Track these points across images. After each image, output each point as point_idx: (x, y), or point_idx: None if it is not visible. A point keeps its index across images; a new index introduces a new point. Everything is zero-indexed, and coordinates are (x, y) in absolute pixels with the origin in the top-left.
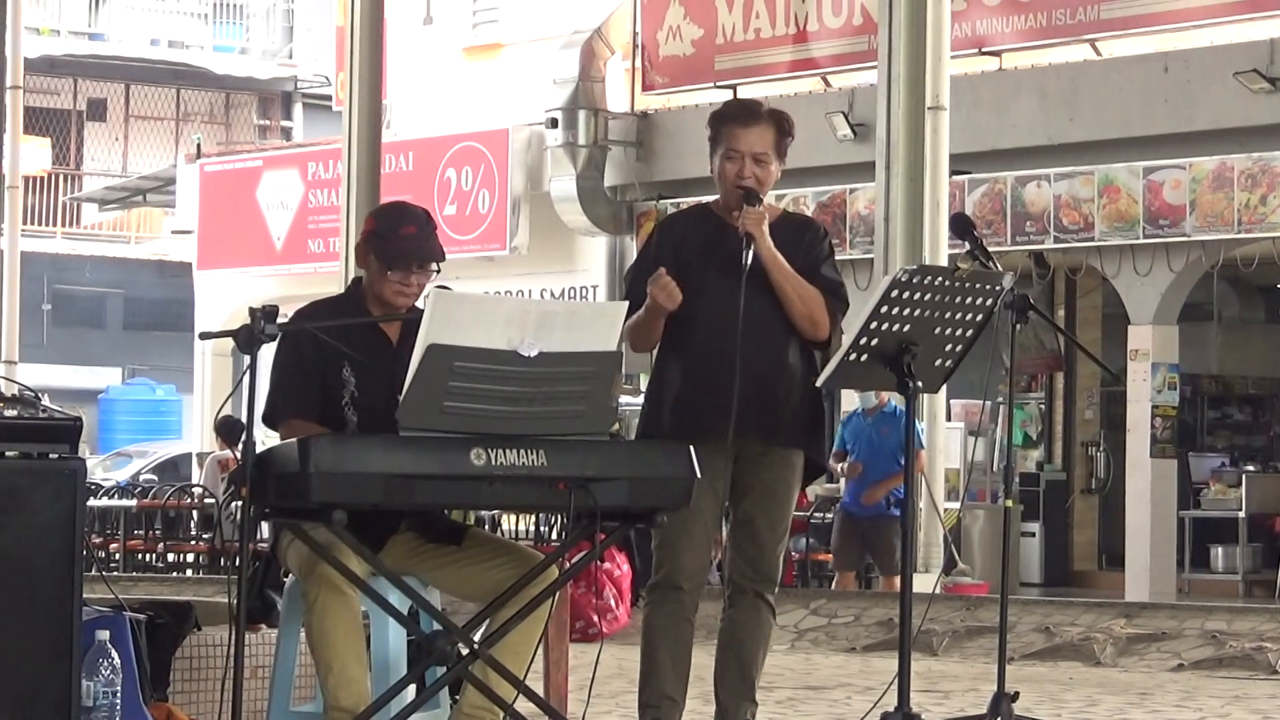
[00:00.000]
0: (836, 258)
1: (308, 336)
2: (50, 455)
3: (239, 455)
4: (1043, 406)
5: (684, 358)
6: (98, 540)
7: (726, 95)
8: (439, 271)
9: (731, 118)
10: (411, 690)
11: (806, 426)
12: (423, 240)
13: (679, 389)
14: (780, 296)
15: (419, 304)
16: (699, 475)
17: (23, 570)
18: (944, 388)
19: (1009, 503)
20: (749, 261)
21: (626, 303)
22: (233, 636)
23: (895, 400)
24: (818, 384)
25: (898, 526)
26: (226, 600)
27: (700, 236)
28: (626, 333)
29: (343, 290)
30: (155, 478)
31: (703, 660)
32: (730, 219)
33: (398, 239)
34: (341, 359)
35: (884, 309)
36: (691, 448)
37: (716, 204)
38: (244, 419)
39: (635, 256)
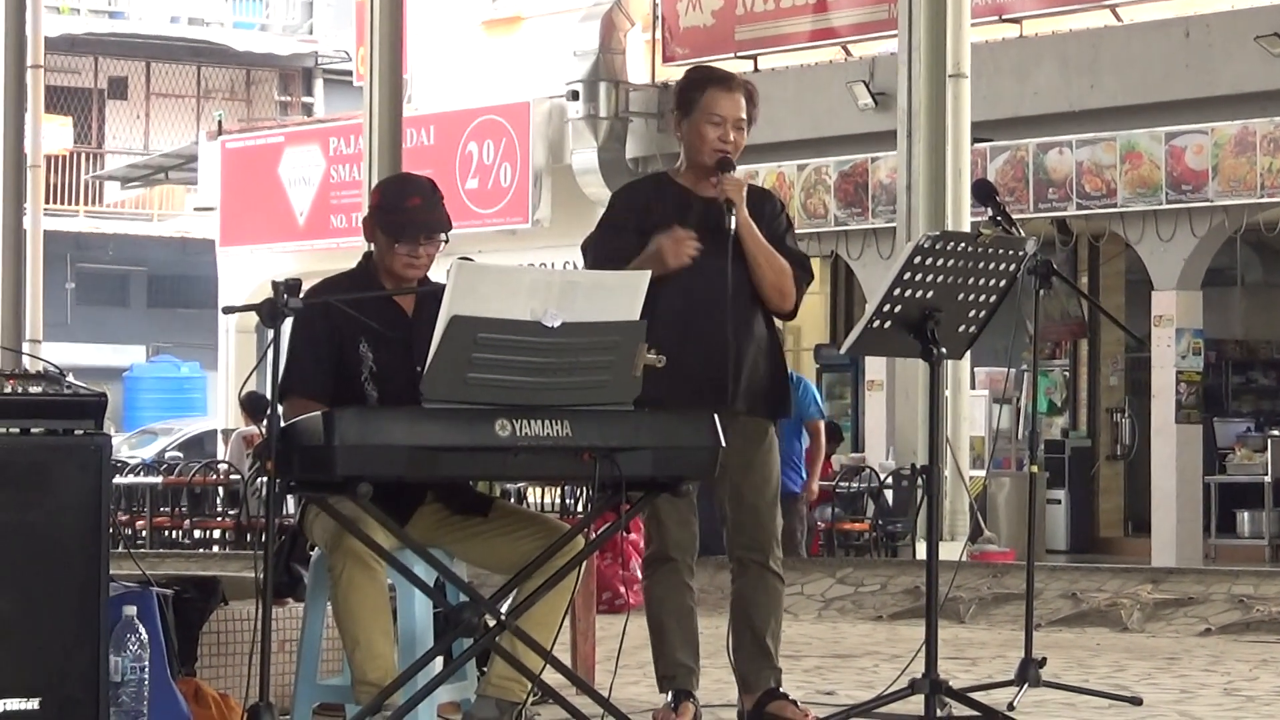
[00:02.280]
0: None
1: (319, 314)
2: (76, 431)
3: (264, 430)
4: (1067, 373)
5: (666, 327)
6: (124, 517)
7: (747, 65)
8: (447, 241)
9: (712, 81)
10: (439, 662)
11: (776, 396)
12: (429, 211)
13: (680, 358)
14: (753, 266)
15: (431, 275)
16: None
17: (50, 546)
18: (968, 354)
19: (1034, 469)
20: (733, 228)
21: (648, 273)
22: (259, 611)
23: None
24: (840, 351)
25: (796, 506)
26: (253, 575)
27: (665, 204)
28: None
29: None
30: (181, 454)
31: (720, 632)
32: (694, 186)
33: (404, 211)
34: (358, 335)
35: (907, 275)
36: (716, 416)
37: (674, 171)
38: (268, 394)
39: (593, 231)
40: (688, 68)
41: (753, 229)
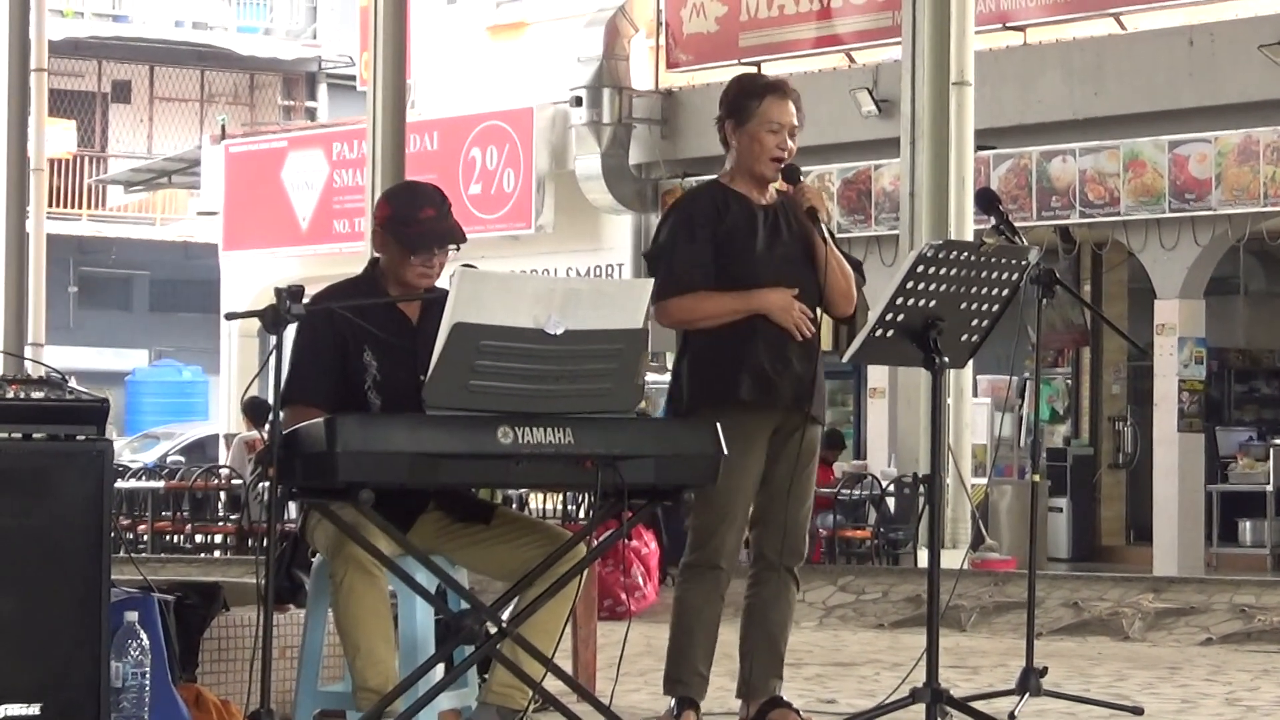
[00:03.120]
0: (858, 235)
1: (323, 320)
2: (78, 436)
3: (266, 436)
4: (1069, 381)
5: (756, 327)
6: (126, 522)
7: (751, 72)
8: (458, 249)
9: (770, 89)
10: (440, 669)
11: (822, 399)
12: (442, 221)
13: (755, 360)
14: (826, 270)
15: (439, 283)
16: (743, 455)
17: (52, 551)
18: (970, 363)
19: (1036, 478)
20: (828, 235)
21: (652, 280)
22: (261, 617)
23: None
24: (843, 359)
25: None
26: (254, 581)
27: (732, 214)
28: (699, 310)
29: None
30: (183, 459)
31: (726, 636)
32: (749, 192)
33: (418, 223)
34: (362, 343)
35: (910, 284)
36: (719, 425)
37: (726, 178)
38: (270, 399)
39: (663, 237)
40: (736, 76)
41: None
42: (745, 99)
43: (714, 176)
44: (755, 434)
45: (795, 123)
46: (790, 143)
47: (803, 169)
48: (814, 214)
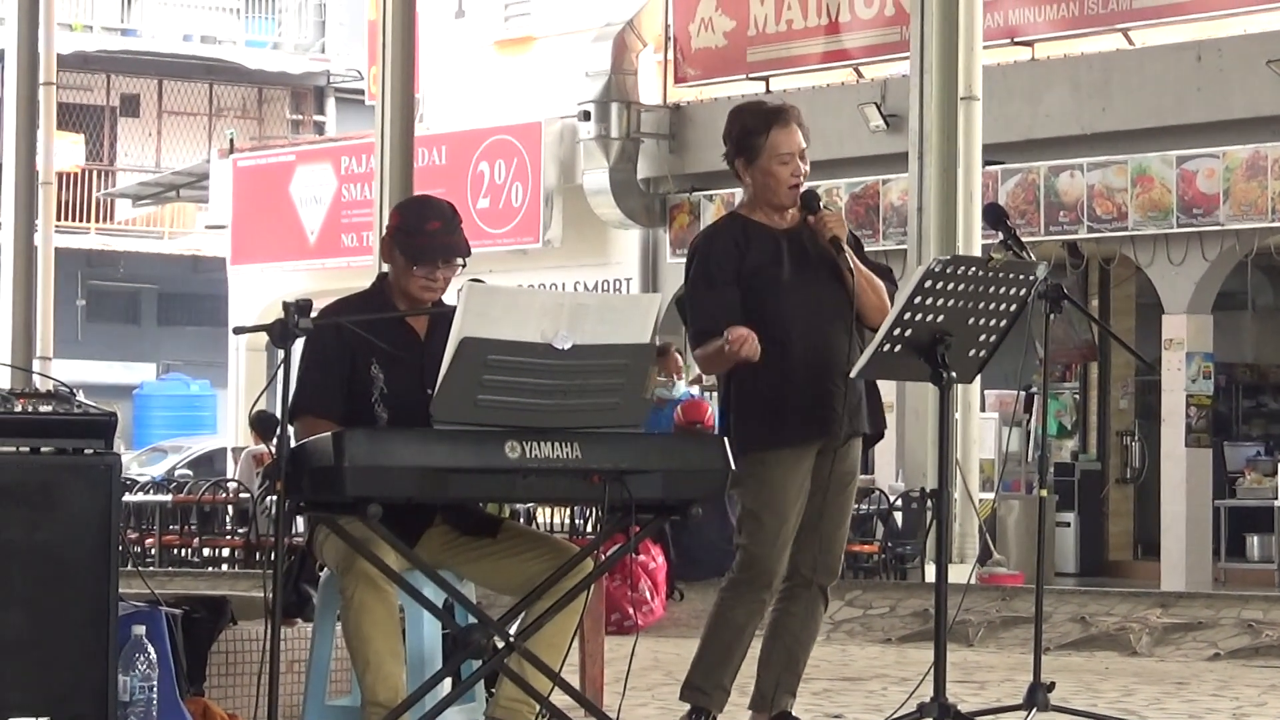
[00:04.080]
0: (866, 249)
1: (332, 333)
2: (85, 450)
3: (273, 450)
4: (1077, 396)
5: (784, 366)
6: (133, 535)
7: (759, 87)
8: (465, 266)
9: (771, 123)
10: (447, 684)
11: (870, 406)
12: (448, 235)
13: (796, 400)
14: (859, 292)
15: (446, 298)
16: (790, 478)
17: (59, 565)
18: (978, 378)
19: (1044, 493)
20: (854, 264)
21: (659, 295)
22: (268, 631)
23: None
24: (851, 375)
25: None
26: (262, 595)
27: (754, 246)
28: (699, 359)
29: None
30: (190, 473)
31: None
32: (770, 221)
33: (423, 235)
34: (370, 356)
35: (918, 299)
36: (727, 445)
37: (745, 209)
38: (278, 414)
39: (689, 290)
40: (735, 108)
41: (854, 257)
42: (750, 136)
43: (733, 209)
44: (803, 457)
45: (803, 145)
46: (803, 166)
47: (810, 184)
48: (836, 243)
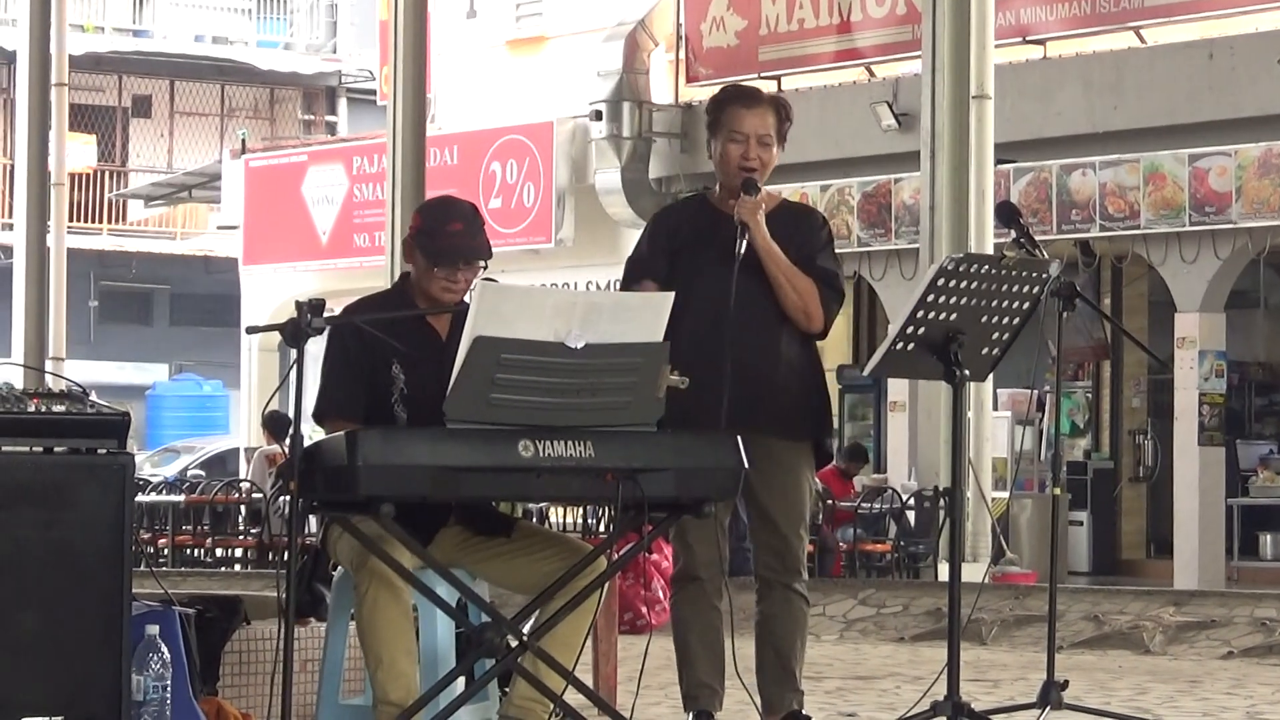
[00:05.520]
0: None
1: (354, 334)
2: (99, 450)
3: (286, 449)
4: (1090, 395)
5: (674, 349)
6: (146, 535)
7: (770, 86)
8: (486, 268)
9: (734, 99)
10: (460, 683)
11: (810, 416)
12: (470, 237)
13: (692, 384)
14: (774, 286)
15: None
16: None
17: (72, 565)
18: (991, 376)
19: (1057, 491)
20: (742, 250)
21: (672, 294)
22: (282, 630)
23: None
24: (864, 373)
25: None
26: (275, 594)
27: (694, 226)
28: None
29: (390, 285)
30: (203, 473)
31: (746, 652)
32: (726, 207)
33: (444, 236)
34: (390, 357)
35: (930, 298)
36: (739, 438)
37: (713, 193)
38: (291, 413)
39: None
40: (716, 88)
41: (771, 249)
42: (714, 111)
43: (707, 188)
44: None
45: (767, 131)
46: (760, 152)
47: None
48: (744, 228)
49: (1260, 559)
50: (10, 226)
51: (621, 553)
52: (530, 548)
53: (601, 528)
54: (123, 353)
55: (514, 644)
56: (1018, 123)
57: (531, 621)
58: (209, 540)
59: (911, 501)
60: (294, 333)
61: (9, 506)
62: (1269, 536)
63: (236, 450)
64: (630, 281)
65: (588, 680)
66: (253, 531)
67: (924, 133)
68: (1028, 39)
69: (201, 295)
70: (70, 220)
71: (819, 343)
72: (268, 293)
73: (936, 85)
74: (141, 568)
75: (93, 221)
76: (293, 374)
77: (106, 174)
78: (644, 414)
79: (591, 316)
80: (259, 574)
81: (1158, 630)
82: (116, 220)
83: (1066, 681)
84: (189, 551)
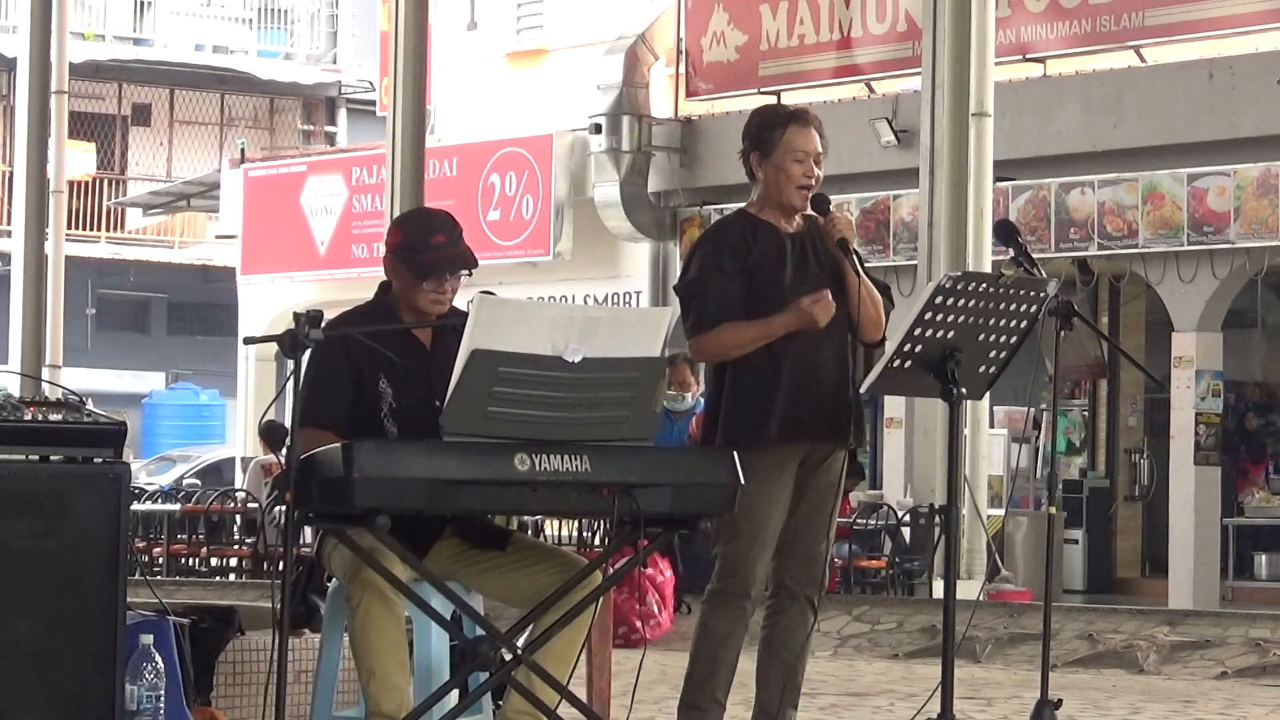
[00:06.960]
0: (876, 265)
1: (338, 346)
2: (95, 460)
3: (282, 460)
4: (1086, 413)
5: (781, 365)
6: (141, 544)
7: (770, 101)
8: (470, 275)
9: (791, 119)
10: (454, 696)
11: (860, 425)
12: (453, 247)
13: (782, 394)
14: (856, 298)
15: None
16: (771, 484)
17: (67, 574)
18: (987, 394)
19: (1052, 510)
20: (860, 266)
21: (670, 308)
22: (276, 641)
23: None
24: (861, 390)
25: None
26: (270, 605)
27: (760, 243)
28: (727, 342)
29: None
30: (199, 482)
31: (743, 665)
32: (777, 222)
33: (430, 249)
34: (378, 371)
35: (928, 315)
36: (736, 454)
37: (753, 208)
38: (287, 424)
39: (692, 270)
40: (758, 108)
41: (859, 265)
42: (768, 130)
43: (741, 206)
44: (785, 463)
45: (819, 149)
46: (817, 170)
47: (831, 199)
48: (845, 245)
49: (1255, 579)
50: (9, 234)
51: (617, 567)
52: (525, 561)
53: (597, 542)
54: (120, 361)
55: (508, 657)
56: (1017, 140)
57: (526, 635)
58: (204, 550)
59: (907, 518)
60: (291, 343)
61: (4, 515)
62: (1264, 557)
63: (232, 460)
64: (721, 307)
65: (582, 694)
66: (248, 541)
67: (923, 149)
68: (1028, 57)
69: (199, 304)
70: (68, 228)
71: None
72: (265, 303)
73: (936, 102)
74: (136, 577)
75: (91, 230)
76: (290, 384)
77: (105, 182)
78: (641, 428)
79: (589, 330)
80: (254, 584)
81: (1152, 650)
82: (115, 229)
83: (1060, 700)
84: (184, 561)
